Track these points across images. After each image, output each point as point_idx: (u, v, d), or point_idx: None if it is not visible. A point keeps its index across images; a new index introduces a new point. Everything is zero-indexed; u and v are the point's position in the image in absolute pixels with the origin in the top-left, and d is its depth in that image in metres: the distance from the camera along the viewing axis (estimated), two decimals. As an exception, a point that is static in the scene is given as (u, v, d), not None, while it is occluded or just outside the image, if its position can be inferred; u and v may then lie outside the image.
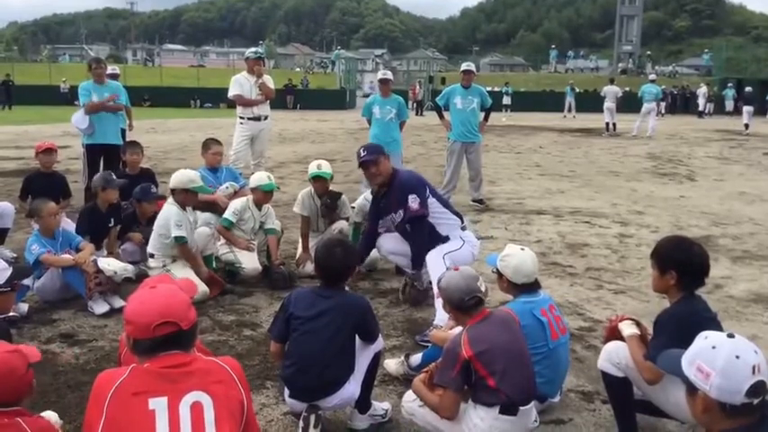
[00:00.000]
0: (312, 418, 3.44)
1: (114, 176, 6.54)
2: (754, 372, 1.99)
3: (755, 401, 1.99)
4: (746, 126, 24.93)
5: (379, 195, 5.76)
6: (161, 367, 2.29)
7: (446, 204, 5.76)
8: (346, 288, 3.75)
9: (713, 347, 2.06)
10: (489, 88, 20.49)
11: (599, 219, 9.46)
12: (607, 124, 24.46)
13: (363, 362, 3.61)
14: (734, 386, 1.99)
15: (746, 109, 25.71)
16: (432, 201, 5.55)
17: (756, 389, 1.99)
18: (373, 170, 5.58)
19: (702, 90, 39.01)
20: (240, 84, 9.17)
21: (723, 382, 2.00)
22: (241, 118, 9.24)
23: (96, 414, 2.21)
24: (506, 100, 37.81)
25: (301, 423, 3.45)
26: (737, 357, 2.01)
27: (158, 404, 2.22)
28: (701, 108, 38.06)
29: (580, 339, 5.03)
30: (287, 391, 3.56)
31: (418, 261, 5.58)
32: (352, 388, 3.55)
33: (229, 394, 2.33)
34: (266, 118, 9.32)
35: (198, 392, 2.27)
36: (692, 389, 2.10)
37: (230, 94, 9.25)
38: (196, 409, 2.24)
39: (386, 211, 5.71)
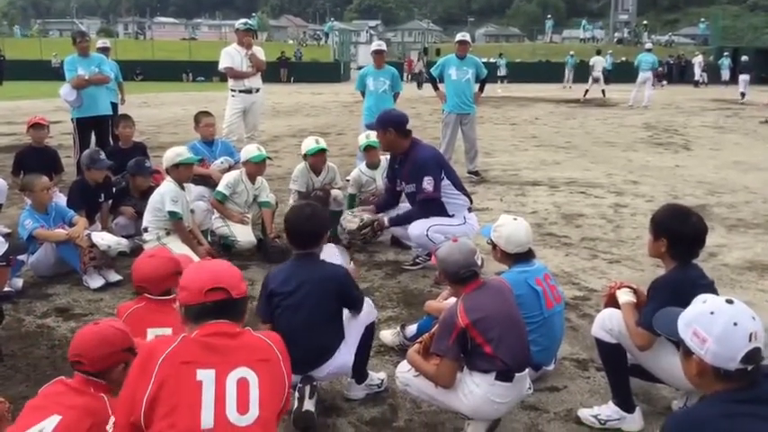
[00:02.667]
0: (307, 389, 3.45)
1: (103, 155, 6.46)
2: (750, 339, 1.98)
3: (749, 368, 2.00)
4: (743, 95, 24.87)
5: (395, 160, 5.84)
6: (208, 335, 2.30)
7: (459, 186, 5.77)
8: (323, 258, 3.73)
9: (711, 313, 2.04)
10: (484, 59, 20.41)
11: (594, 189, 9.46)
12: (586, 91, 25.55)
13: (354, 332, 3.62)
14: (729, 353, 1.99)
15: (743, 77, 25.62)
16: (446, 183, 5.61)
17: (751, 356, 1.98)
18: (378, 136, 5.76)
19: (698, 59, 38.80)
20: (231, 56, 9.06)
21: (719, 349, 2.00)
22: (233, 91, 9.15)
23: (143, 382, 2.21)
24: (502, 71, 37.87)
25: (296, 394, 3.46)
26: (735, 324, 1.99)
27: (206, 376, 2.22)
28: (696, 77, 37.89)
29: (575, 308, 5.05)
30: None
31: (407, 222, 5.70)
32: (343, 356, 3.57)
33: (274, 373, 2.34)
34: (258, 90, 9.23)
35: (245, 369, 2.27)
36: (686, 351, 2.10)
37: (221, 66, 9.16)
38: (242, 385, 2.25)
39: (399, 176, 5.83)
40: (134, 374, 2.27)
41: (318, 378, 3.56)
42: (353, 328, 3.63)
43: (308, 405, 3.42)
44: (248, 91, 9.10)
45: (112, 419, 2.32)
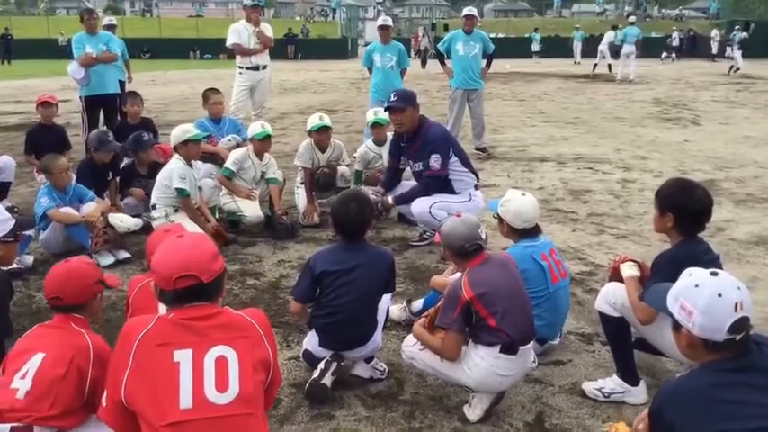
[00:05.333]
0: (333, 365, 3.52)
1: (111, 136, 6.45)
2: (736, 309, 2.00)
3: (738, 337, 2.02)
4: (735, 68, 25.17)
5: (401, 138, 5.81)
6: (186, 318, 2.28)
7: (467, 163, 5.77)
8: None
9: (696, 286, 2.07)
10: (493, 35, 20.21)
11: (602, 165, 9.43)
12: (594, 66, 25.46)
13: (382, 315, 3.71)
14: (716, 324, 2.01)
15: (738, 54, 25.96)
16: (453, 160, 5.62)
17: (738, 325, 2.01)
18: (398, 117, 5.67)
19: (713, 33, 38.09)
20: (238, 33, 9.02)
21: (705, 321, 2.02)
22: (240, 68, 9.14)
23: (123, 362, 2.22)
24: (535, 47, 38.67)
25: (321, 365, 3.52)
26: (720, 296, 2.01)
27: (183, 356, 2.20)
28: (713, 51, 37.15)
29: (581, 283, 5.07)
30: (317, 339, 3.63)
31: (412, 200, 5.70)
32: (378, 340, 3.68)
33: (255, 349, 2.31)
34: (265, 67, 9.21)
35: (223, 347, 2.25)
36: (676, 325, 2.14)
37: (228, 43, 9.13)
38: (220, 362, 2.22)
39: (406, 154, 5.82)
40: (115, 356, 2.28)
41: (350, 357, 3.63)
42: (381, 310, 3.71)
43: (327, 380, 3.48)
44: (255, 68, 9.09)
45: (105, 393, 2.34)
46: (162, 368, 2.19)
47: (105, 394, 2.31)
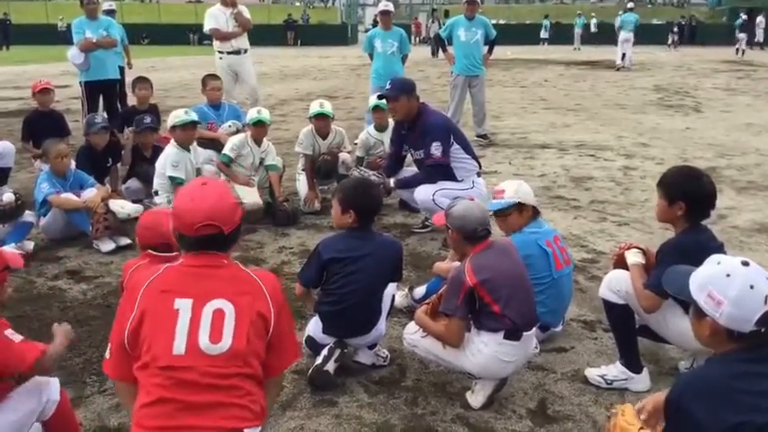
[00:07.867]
0: (336, 352, 3.52)
1: (98, 119, 6.44)
2: (766, 301, 1.96)
3: (764, 329, 1.98)
4: (740, 51, 25.06)
5: (402, 126, 5.78)
6: (192, 265, 2.33)
7: (468, 150, 5.75)
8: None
9: (727, 275, 2.01)
10: (494, 21, 20.07)
11: (604, 152, 9.40)
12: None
13: (387, 302, 3.70)
14: (745, 316, 1.97)
15: (741, 36, 25.75)
16: (456, 147, 5.59)
17: (766, 318, 1.97)
18: (391, 105, 5.65)
19: (759, 20, 37.41)
20: (215, 17, 8.75)
21: (735, 312, 1.97)
22: (220, 53, 8.86)
23: (128, 310, 2.28)
24: (543, 33, 38.55)
25: (325, 352, 3.52)
26: (752, 287, 1.96)
27: (183, 305, 2.26)
28: (758, 38, 36.28)
29: (583, 270, 5.06)
30: (320, 326, 3.63)
31: (413, 185, 5.70)
32: (382, 328, 3.67)
33: (254, 306, 2.32)
34: (245, 51, 8.91)
35: (222, 300, 2.29)
36: (699, 313, 2.07)
37: (206, 28, 8.85)
38: (218, 315, 2.27)
39: (407, 142, 5.79)
40: (121, 305, 2.35)
41: (354, 345, 3.63)
42: (387, 297, 3.70)
43: (330, 366, 3.48)
44: (236, 52, 8.81)
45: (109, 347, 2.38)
46: (163, 313, 2.25)
47: (109, 346, 2.37)
